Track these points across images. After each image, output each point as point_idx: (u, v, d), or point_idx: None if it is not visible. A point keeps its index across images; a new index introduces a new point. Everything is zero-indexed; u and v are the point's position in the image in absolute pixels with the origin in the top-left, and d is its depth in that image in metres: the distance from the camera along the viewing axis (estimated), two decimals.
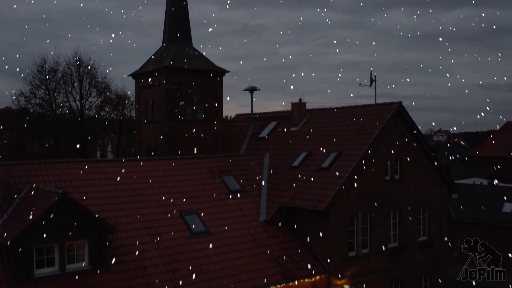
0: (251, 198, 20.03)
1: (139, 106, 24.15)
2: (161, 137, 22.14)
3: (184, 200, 18.36)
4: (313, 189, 18.78)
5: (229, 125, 25.78)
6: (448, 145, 71.10)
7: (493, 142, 47.91)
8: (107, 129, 43.72)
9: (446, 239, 22.51)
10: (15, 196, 15.35)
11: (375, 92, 22.88)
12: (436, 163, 22.07)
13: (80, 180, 17.02)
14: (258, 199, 20.15)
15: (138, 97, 24.26)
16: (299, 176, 20.04)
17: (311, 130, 22.48)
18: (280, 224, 19.11)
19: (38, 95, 35.27)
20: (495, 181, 36.68)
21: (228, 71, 23.89)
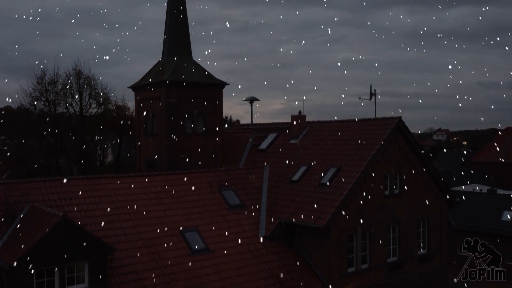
0: (250, 213, 20.05)
1: (139, 118, 24.18)
2: (161, 151, 22.17)
3: (184, 216, 18.40)
4: (312, 206, 18.79)
5: (229, 136, 25.82)
6: (445, 150, 70.66)
7: (493, 147, 47.92)
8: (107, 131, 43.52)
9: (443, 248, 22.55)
10: (15, 216, 15.38)
11: (374, 107, 22.82)
12: (435, 177, 22.10)
13: (79, 198, 17.04)
14: (258, 214, 20.18)
15: (138, 109, 24.28)
16: (299, 191, 20.07)
17: (311, 143, 22.52)
18: (279, 240, 19.14)
19: (38, 107, 35.34)
20: (495, 189, 36.60)
21: (228, 84, 23.93)
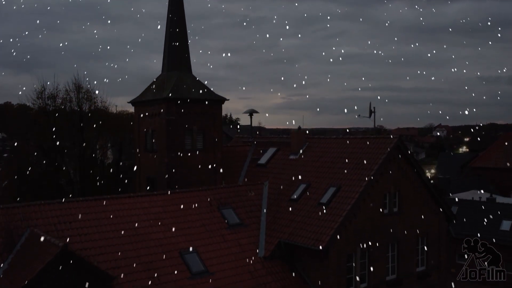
0: (250, 232, 20.12)
1: (138, 133, 24.20)
2: (161, 167, 22.22)
3: (183, 237, 18.47)
4: (311, 226, 18.87)
5: (228, 150, 25.84)
6: (446, 150, 70.82)
7: (493, 151, 48.00)
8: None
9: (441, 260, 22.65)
10: (16, 242, 15.44)
11: (374, 125, 22.83)
12: (434, 193, 22.17)
13: (79, 221, 17.07)
14: (257, 233, 20.25)
15: (138, 125, 24.29)
16: (298, 210, 20.14)
17: (310, 160, 22.56)
18: (279, 259, 19.22)
19: (37, 121, 35.32)
20: (495, 197, 36.67)
21: (228, 99, 23.95)
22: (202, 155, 23.21)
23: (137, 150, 24.39)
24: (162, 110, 22.17)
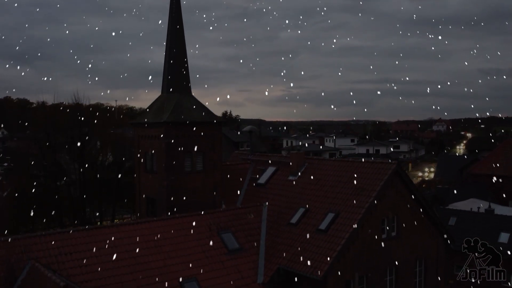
0: (249, 257, 20.26)
1: (139, 154, 24.29)
2: (161, 190, 22.35)
3: (183, 265, 18.61)
4: (310, 253, 19.00)
5: (228, 169, 25.95)
6: (445, 151, 70.96)
7: (493, 158, 48.05)
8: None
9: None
10: (17, 276, 15.59)
11: (372, 152, 22.82)
12: (432, 216, 22.29)
13: (80, 252, 17.22)
14: (256, 258, 20.40)
15: (138, 145, 24.39)
16: (297, 235, 20.27)
17: (309, 183, 22.65)
18: (278, 285, 19.39)
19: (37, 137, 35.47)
20: (493, 208, 36.79)
21: (225, 120, 23.95)
22: (201, 177, 23.33)
23: (137, 169, 24.51)
24: (161, 134, 22.26)
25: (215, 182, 23.70)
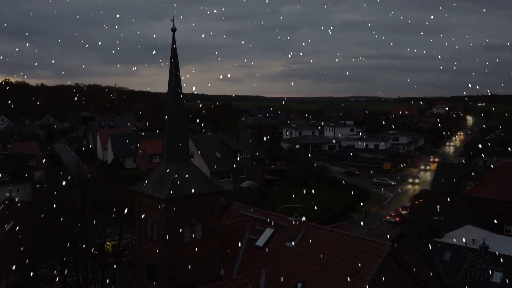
0: None
1: (139, 220, 24.76)
2: (161, 262, 22.96)
3: None
4: None
5: (226, 227, 26.49)
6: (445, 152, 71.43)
7: (490, 182, 48.50)
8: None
9: None
10: None
11: (369, 228, 23.34)
12: None
13: None
14: None
15: (138, 211, 24.85)
16: None
17: (306, 254, 23.23)
18: None
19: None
20: (487, 245, 37.43)
21: (224, 190, 24.38)
22: (201, 244, 23.89)
23: (138, 235, 25.05)
24: (161, 208, 22.71)
25: (213, 249, 24.28)
